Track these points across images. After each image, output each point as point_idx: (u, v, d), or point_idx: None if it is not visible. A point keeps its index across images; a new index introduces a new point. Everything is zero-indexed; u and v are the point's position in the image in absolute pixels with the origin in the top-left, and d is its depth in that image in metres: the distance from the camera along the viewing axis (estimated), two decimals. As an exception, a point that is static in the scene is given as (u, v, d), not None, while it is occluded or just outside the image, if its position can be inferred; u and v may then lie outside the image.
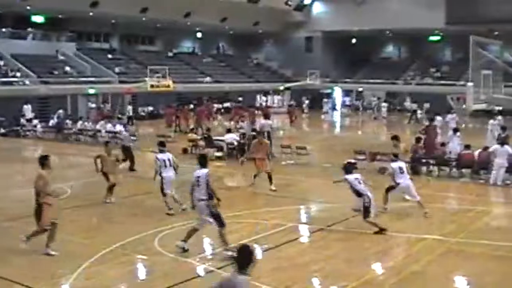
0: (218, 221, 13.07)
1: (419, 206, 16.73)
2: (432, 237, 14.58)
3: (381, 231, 14.61)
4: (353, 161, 24.98)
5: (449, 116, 36.67)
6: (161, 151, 17.70)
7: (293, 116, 47.59)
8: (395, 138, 21.93)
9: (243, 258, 7.23)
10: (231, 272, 7.32)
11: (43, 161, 13.74)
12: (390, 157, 18.52)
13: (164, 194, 16.89)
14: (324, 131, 47.99)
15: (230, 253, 12.10)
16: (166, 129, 40.91)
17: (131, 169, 25.24)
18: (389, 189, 16.92)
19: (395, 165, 16.93)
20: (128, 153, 25.57)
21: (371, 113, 58.60)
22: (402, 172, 16.85)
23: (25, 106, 43.75)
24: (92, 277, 11.79)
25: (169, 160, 17.29)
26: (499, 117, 32.75)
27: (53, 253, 13.03)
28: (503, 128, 28.15)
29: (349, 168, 15.61)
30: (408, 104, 55.99)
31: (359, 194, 14.89)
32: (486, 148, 23.31)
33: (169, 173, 17.01)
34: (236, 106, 53.26)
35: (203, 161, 13.66)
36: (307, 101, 64.92)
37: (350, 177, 15.24)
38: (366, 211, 14.70)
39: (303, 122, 54.20)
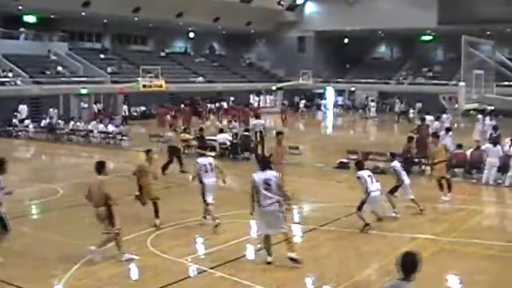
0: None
1: (414, 204, 16.77)
2: (424, 237, 14.61)
3: (366, 225, 14.71)
4: (345, 160, 25.21)
5: (444, 116, 36.75)
6: (202, 155, 16.71)
7: (285, 115, 47.68)
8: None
9: (409, 265, 7.19)
10: (396, 281, 7.24)
11: (101, 168, 13.43)
12: (388, 157, 18.55)
13: (206, 203, 15.51)
14: (317, 131, 47.96)
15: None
16: (158, 128, 40.74)
17: (182, 171, 24.14)
18: (394, 190, 16.84)
19: (397, 164, 16.90)
20: (175, 154, 24.94)
21: (362, 113, 58.71)
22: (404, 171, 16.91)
23: (21, 106, 43.83)
24: (84, 278, 11.77)
25: (210, 164, 15.86)
26: (488, 118, 32.99)
27: (135, 256, 12.85)
28: (495, 128, 28.22)
29: (361, 164, 15.98)
30: (397, 107, 56.30)
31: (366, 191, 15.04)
32: (478, 148, 23.37)
33: (210, 179, 15.74)
34: (230, 106, 53.33)
35: (266, 164, 13.15)
36: (303, 101, 65.20)
37: (363, 173, 15.32)
38: (361, 205, 14.69)
39: (299, 121, 54.26)
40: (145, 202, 15.78)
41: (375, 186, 15.11)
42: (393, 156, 17.69)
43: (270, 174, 12.50)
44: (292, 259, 12.19)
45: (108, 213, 12.79)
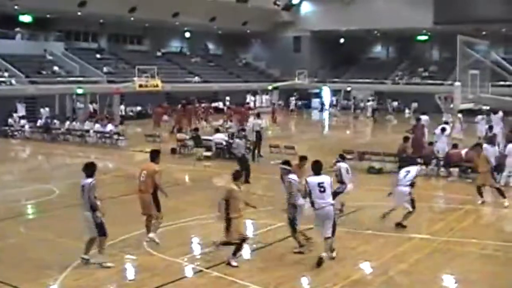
0: (334, 228, 12.66)
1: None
2: (420, 236, 14.64)
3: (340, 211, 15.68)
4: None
5: (480, 117, 36.28)
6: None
7: (275, 115, 47.83)
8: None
9: None
10: None
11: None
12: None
13: (294, 229, 13.42)
14: (312, 131, 47.97)
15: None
16: (155, 129, 40.67)
17: (247, 181, 21.40)
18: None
19: (344, 165, 16.87)
20: (243, 163, 22.22)
21: (359, 112, 58.81)
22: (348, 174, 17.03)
23: (19, 105, 43.88)
24: (80, 278, 11.75)
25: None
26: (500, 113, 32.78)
27: (235, 264, 12.37)
28: (491, 128, 28.27)
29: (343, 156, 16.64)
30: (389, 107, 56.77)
31: (342, 182, 15.91)
32: (473, 147, 23.39)
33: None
34: (226, 105, 53.38)
35: (318, 168, 12.93)
36: (293, 101, 65.39)
37: (343, 165, 16.14)
38: (335, 195, 14.44)
39: (290, 121, 54.35)
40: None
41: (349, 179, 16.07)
42: (342, 157, 17.54)
43: (324, 178, 12.81)
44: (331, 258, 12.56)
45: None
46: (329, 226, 12.49)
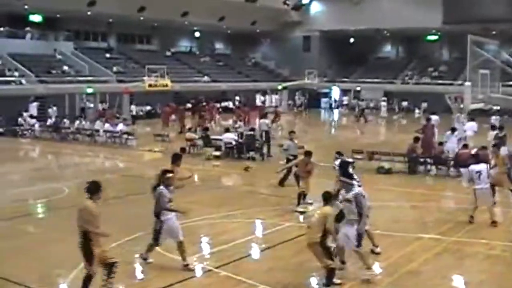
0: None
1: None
2: (428, 236, 14.61)
3: None
4: (350, 160, 25.13)
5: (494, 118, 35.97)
6: (477, 162, 16.36)
7: (278, 116, 47.79)
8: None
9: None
10: None
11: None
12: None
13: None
14: (320, 130, 47.95)
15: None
16: (163, 128, 40.68)
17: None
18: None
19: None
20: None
21: (369, 112, 58.67)
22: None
23: (32, 104, 44.13)
24: (89, 277, 11.77)
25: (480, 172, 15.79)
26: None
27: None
28: (501, 128, 28.16)
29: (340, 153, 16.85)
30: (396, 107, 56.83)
31: None
32: (483, 148, 23.30)
33: (481, 185, 15.87)
34: (236, 105, 53.35)
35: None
36: (299, 101, 65.57)
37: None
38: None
39: (299, 120, 54.30)
40: None
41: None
42: (340, 154, 17.47)
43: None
44: None
45: None
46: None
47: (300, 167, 17.98)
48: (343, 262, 12.14)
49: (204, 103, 48.32)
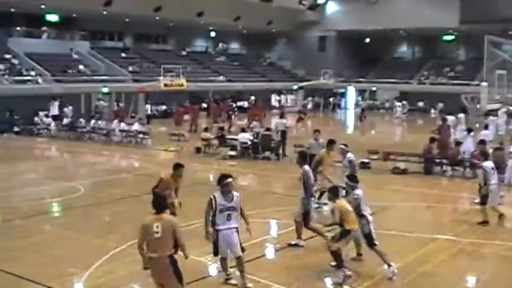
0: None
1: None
2: (444, 237, 14.53)
3: None
4: (366, 160, 25.10)
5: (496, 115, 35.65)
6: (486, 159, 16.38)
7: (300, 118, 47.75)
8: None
9: None
10: None
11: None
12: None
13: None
14: (335, 131, 47.86)
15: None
16: (177, 128, 40.73)
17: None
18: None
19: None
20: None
21: (383, 112, 58.53)
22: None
23: (53, 103, 44.49)
24: (103, 276, 11.82)
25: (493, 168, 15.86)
26: None
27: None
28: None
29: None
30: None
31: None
32: (500, 148, 23.17)
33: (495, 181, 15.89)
34: (251, 105, 53.42)
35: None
36: (311, 102, 65.69)
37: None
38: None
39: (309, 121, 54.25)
40: None
41: None
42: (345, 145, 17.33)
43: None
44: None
45: None
46: None
47: (323, 160, 17.30)
48: (359, 255, 12.55)
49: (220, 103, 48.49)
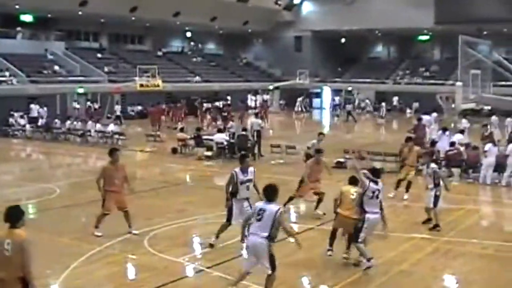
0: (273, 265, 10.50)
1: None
2: (420, 236, 14.63)
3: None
4: (342, 160, 25.18)
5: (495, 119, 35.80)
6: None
7: (265, 113, 47.73)
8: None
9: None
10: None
11: None
12: None
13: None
14: (312, 130, 47.90)
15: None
16: (153, 129, 40.44)
17: None
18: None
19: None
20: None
21: (359, 112, 58.71)
22: None
23: (32, 106, 44.08)
24: (81, 277, 11.74)
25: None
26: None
27: None
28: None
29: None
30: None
31: None
32: (475, 147, 23.39)
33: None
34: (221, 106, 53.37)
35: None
36: (280, 101, 65.80)
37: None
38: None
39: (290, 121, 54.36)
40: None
41: None
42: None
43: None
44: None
45: None
46: None
47: (312, 168, 16.99)
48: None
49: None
